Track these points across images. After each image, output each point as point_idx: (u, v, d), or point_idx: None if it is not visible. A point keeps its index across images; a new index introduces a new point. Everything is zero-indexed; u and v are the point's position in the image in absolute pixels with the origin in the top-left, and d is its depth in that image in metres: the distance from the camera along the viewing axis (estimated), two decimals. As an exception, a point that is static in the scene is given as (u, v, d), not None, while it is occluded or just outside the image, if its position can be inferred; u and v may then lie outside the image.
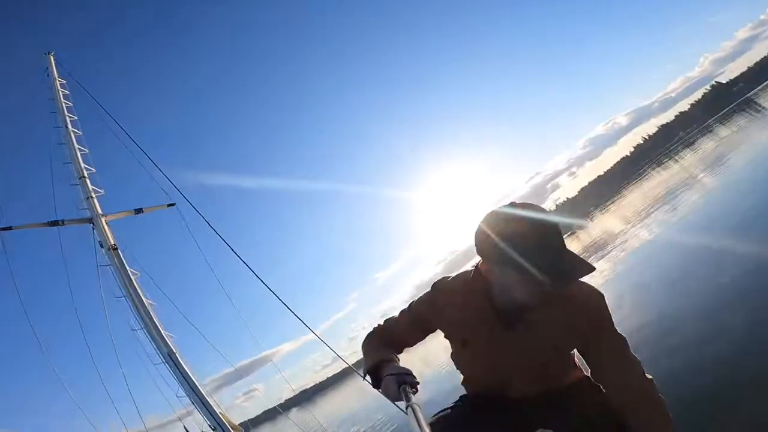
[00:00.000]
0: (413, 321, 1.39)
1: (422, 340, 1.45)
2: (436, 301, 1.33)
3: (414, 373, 1.19)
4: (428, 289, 1.42)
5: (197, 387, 5.20)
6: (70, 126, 6.62)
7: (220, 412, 5.22)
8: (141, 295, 5.52)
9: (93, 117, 7.30)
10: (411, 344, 1.46)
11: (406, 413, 1.04)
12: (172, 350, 5.35)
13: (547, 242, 1.07)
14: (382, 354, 1.32)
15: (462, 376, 1.41)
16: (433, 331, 1.39)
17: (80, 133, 6.70)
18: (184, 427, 7.31)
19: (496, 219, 1.13)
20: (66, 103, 6.88)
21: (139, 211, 6.40)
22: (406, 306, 1.43)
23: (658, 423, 1.14)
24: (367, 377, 1.32)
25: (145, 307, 5.51)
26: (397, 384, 1.14)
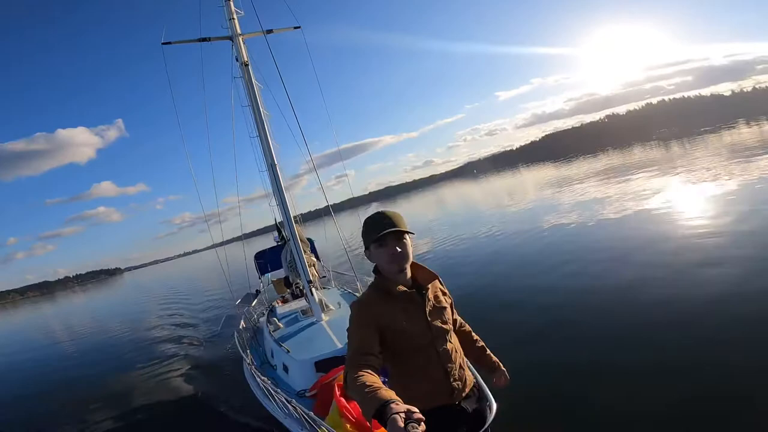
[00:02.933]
0: (373, 338, 1.66)
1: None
2: (368, 313, 1.73)
3: (417, 409, 1.24)
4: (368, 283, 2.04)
5: (286, 201, 6.21)
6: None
7: (296, 227, 6.18)
8: (260, 105, 6.29)
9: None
10: (380, 355, 1.66)
11: None
12: (274, 162, 6.19)
13: (385, 219, 1.75)
14: (383, 393, 1.35)
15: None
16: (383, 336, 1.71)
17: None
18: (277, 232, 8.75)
19: (366, 219, 1.82)
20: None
21: (269, 31, 6.80)
22: (350, 342, 1.72)
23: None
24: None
25: (261, 116, 6.25)
26: (404, 422, 1.19)
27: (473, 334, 2.21)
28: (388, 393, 1.37)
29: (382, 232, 1.72)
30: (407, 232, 1.78)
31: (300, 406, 3.37)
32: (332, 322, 5.65)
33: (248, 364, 4.95)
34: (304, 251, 6.45)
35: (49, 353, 18.78)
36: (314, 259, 7.58)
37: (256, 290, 8.78)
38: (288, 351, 4.95)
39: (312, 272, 6.43)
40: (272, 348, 5.52)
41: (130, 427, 7.18)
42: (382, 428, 2.83)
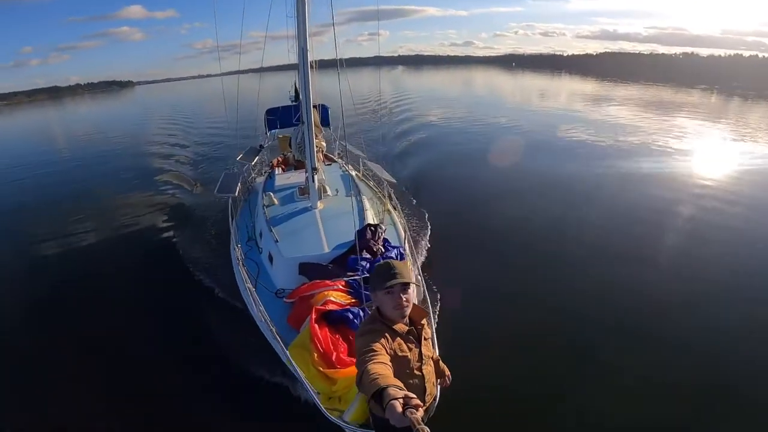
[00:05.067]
0: (381, 348, 1.82)
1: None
2: (376, 337, 1.87)
3: (414, 395, 1.32)
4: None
5: (310, 89, 5.46)
6: None
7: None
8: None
9: None
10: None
11: None
12: (306, 47, 5.33)
13: (394, 270, 1.92)
14: (384, 380, 1.50)
15: None
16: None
17: None
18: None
19: (376, 266, 2.07)
20: None
21: None
22: (359, 350, 1.86)
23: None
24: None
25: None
26: (402, 408, 1.25)
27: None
28: (392, 381, 1.49)
29: (391, 282, 1.90)
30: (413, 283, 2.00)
31: (273, 324, 3.31)
32: (326, 213, 5.60)
33: (237, 255, 4.83)
34: (315, 135, 5.99)
35: (44, 159, 19.04)
36: (323, 143, 7.23)
37: (260, 145, 8.69)
38: (276, 240, 4.88)
39: (318, 157, 6.12)
40: (262, 228, 5.44)
41: (102, 259, 7.46)
42: (348, 366, 2.83)
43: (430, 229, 7.39)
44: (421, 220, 7.79)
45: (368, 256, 4.37)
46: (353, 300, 3.78)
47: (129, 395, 4.20)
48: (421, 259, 6.30)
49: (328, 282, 3.92)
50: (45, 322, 5.60)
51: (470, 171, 11.49)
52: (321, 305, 3.47)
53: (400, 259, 4.53)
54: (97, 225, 9.05)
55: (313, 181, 5.77)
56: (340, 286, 3.88)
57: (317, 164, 5.92)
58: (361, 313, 3.46)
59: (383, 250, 4.59)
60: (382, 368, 1.64)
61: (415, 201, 8.82)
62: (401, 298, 1.93)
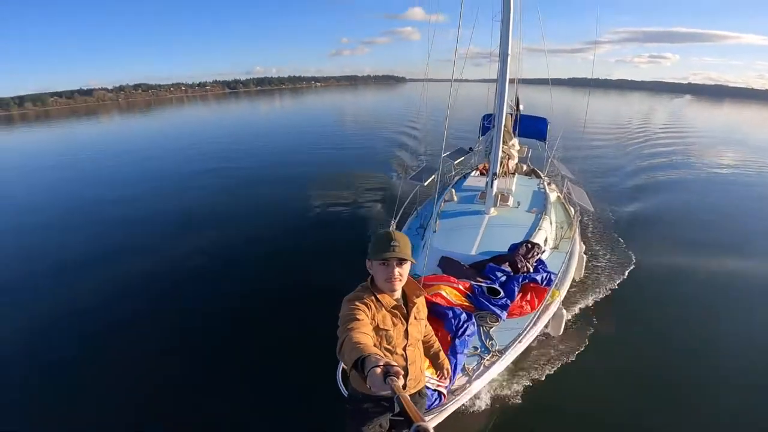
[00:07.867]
0: (365, 320, 1.81)
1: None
2: (362, 308, 1.85)
3: (396, 363, 1.29)
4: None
5: (505, 93, 5.32)
6: None
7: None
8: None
9: None
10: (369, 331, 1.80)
11: (395, 402, 1.12)
12: (507, 52, 5.24)
13: (394, 242, 1.88)
14: (366, 348, 1.49)
15: None
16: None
17: None
18: None
19: (376, 234, 1.98)
20: None
21: None
22: (343, 320, 1.81)
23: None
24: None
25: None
26: (383, 375, 1.22)
27: (433, 338, 2.51)
28: (374, 350, 1.48)
29: (388, 255, 1.86)
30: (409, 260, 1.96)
31: None
32: (495, 220, 5.48)
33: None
34: (505, 141, 5.84)
35: (327, 130, 25.06)
36: (513, 152, 6.91)
37: (470, 147, 8.91)
38: (435, 231, 5.08)
39: (506, 165, 5.96)
40: (432, 219, 5.71)
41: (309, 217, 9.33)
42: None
43: (626, 277, 6.20)
44: (622, 263, 6.69)
45: (508, 269, 4.06)
46: (466, 303, 3.63)
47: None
48: (601, 293, 5.71)
49: (453, 279, 3.86)
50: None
51: (742, 238, 8.22)
52: (431, 296, 3.47)
53: (547, 284, 4.03)
54: (329, 189, 11.25)
55: (492, 186, 5.67)
56: (461, 287, 3.76)
57: (503, 172, 5.76)
58: (464, 317, 3.31)
59: (530, 269, 4.17)
60: (363, 337, 1.63)
61: (623, 241, 7.46)
62: (395, 271, 1.90)
